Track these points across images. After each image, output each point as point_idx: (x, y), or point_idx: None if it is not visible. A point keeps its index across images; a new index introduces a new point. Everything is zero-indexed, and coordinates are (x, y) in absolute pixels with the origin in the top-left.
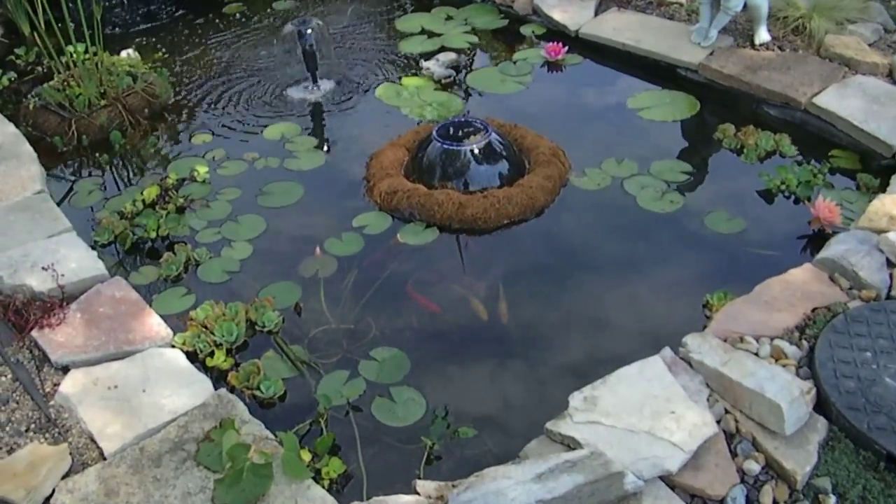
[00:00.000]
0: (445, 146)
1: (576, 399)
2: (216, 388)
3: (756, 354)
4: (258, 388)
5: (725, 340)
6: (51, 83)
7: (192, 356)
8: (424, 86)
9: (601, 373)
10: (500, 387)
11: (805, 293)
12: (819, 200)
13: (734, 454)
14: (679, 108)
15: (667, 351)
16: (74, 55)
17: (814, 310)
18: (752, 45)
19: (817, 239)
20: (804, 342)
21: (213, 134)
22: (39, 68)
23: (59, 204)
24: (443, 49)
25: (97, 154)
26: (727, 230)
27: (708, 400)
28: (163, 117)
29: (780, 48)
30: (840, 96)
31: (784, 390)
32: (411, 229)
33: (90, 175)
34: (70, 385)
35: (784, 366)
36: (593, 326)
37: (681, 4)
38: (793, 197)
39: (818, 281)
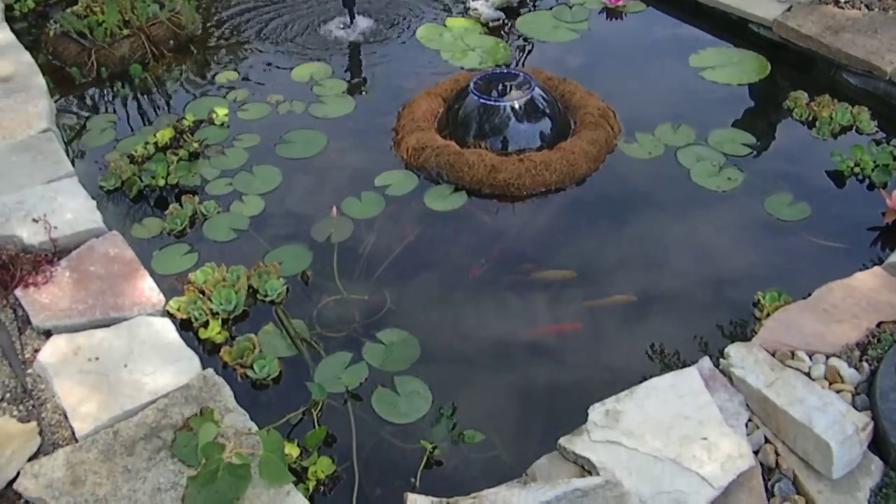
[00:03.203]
0: (483, 100)
1: (596, 412)
2: (206, 365)
3: (808, 375)
4: (251, 367)
5: (774, 354)
6: (73, 9)
7: (185, 324)
8: (471, 28)
9: (626, 380)
10: (518, 385)
11: (871, 303)
12: None
13: (770, 493)
14: (747, 70)
15: (705, 362)
16: None
17: (880, 324)
18: (836, 2)
19: (892, 234)
20: (865, 364)
21: (237, 72)
22: None
23: (69, 142)
24: None
25: (115, 87)
26: (789, 216)
27: (747, 425)
28: (188, 50)
29: (867, 6)
30: None
31: (836, 425)
32: (437, 192)
33: (106, 111)
34: (49, 353)
35: (839, 391)
36: (625, 321)
37: None
38: (867, 181)
39: (888, 289)
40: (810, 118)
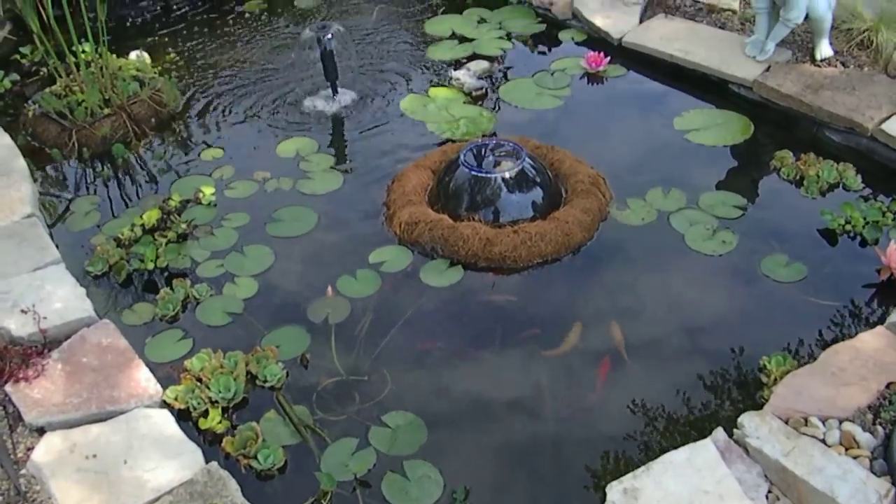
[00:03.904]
0: (474, 173)
1: (614, 491)
2: (208, 456)
3: (823, 441)
4: (255, 458)
5: (787, 422)
6: (52, 89)
7: (184, 414)
8: (454, 98)
9: (638, 452)
10: (530, 463)
11: (878, 364)
12: (891, 246)
13: None
14: (731, 131)
15: (720, 433)
16: (81, 55)
17: (889, 385)
18: (813, 61)
19: (888, 291)
20: (879, 427)
21: (222, 149)
22: (45, 69)
23: (52, 226)
24: (474, 56)
25: (98, 168)
26: (785, 277)
27: (767, 496)
28: (170, 128)
29: (843, 64)
30: None
31: (858, 494)
32: (433, 267)
33: (90, 192)
34: (44, 452)
35: (856, 457)
36: (630, 391)
37: (733, 12)
38: (859, 238)
39: (893, 349)
40: (797, 177)
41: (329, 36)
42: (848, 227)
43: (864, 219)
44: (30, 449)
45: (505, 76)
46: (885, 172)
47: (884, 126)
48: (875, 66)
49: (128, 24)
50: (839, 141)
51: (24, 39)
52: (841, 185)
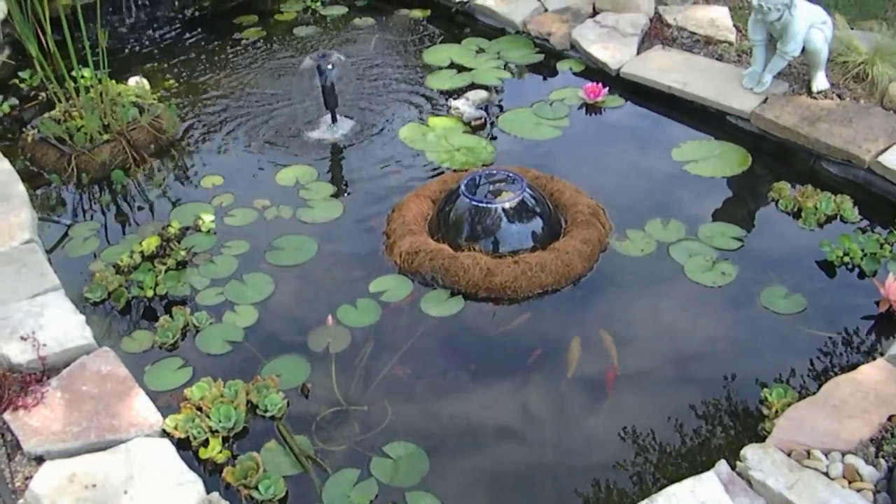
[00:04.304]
0: (475, 202)
1: None
2: (208, 486)
3: (826, 474)
4: (256, 488)
5: (790, 454)
6: (51, 114)
7: (184, 443)
8: (453, 127)
9: (643, 490)
10: (533, 494)
11: (880, 396)
12: (890, 278)
13: None
14: (729, 163)
15: (723, 466)
16: (80, 81)
17: (891, 417)
18: (809, 93)
19: (888, 322)
20: (882, 460)
21: (221, 177)
22: (43, 94)
23: (51, 251)
24: (473, 86)
25: (97, 194)
26: (785, 309)
27: None
28: (169, 154)
29: (839, 97)
30: None
31: None
32: (434, 297)
33: (88, 218)
34: (43, 481)
35: (859, 490)
36: (630, 426)
37: (730, 44)
38: (857, 270)
39: (894, 381)
40: (795, 209)
41: (330, 65)
42: (846, 258)
43: (863, 251)
44: (28, 478)
45: (500, 108)
46: (882, 204)
47: (881, 158)
48: (871, 98)
49: (126, 51)
50: (836, 173)
51: (22, 64)
52: (838, 217)
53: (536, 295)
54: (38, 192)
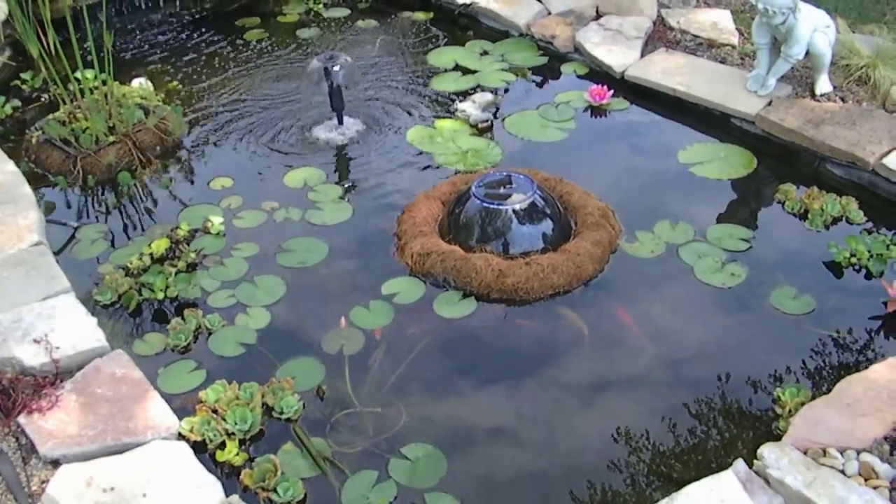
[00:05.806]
0: (485, 204)
1: None
2: (227, 490)
3: (842, 472)
4: (275, 491)
5: (805, 453)
6: (55, 115)
7: (200, 446)
8: (459, 129)
9: (661, 489)
10: (554, 494)
11: (892, 395)
12: None
13: None
14: (734, 165)
15: (740, 465)
16: (83, 82)
17: None
18: (813, 95)
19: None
20: None
21: (231, 178)
22: (46, 96)
23: (58, 253)
24: (479, 88)
25: (103, 196)
26: (795, 310)
27: None
28: (176, 156)
29: (842, 100)
30: None
31: None
32: (446, 298)
33: (95, 220)
34: (60, 485)
35: (876, 487)
36: (646, 426)
37: (733, 47)
38: (864, 271)
39: None
40: (802, 210)
41: (336, 67)
42: (853, 259)
43: (869, 252)
44: (44, 482)
45: (499, 111)
46: (887, 206)
47: (885, 160)
48: (873, 101)
49: (127, 52)
50: (841, 174)
51: (23, 65)
52: (844, 219)
53: (548, 296)
54: (44, 193)
